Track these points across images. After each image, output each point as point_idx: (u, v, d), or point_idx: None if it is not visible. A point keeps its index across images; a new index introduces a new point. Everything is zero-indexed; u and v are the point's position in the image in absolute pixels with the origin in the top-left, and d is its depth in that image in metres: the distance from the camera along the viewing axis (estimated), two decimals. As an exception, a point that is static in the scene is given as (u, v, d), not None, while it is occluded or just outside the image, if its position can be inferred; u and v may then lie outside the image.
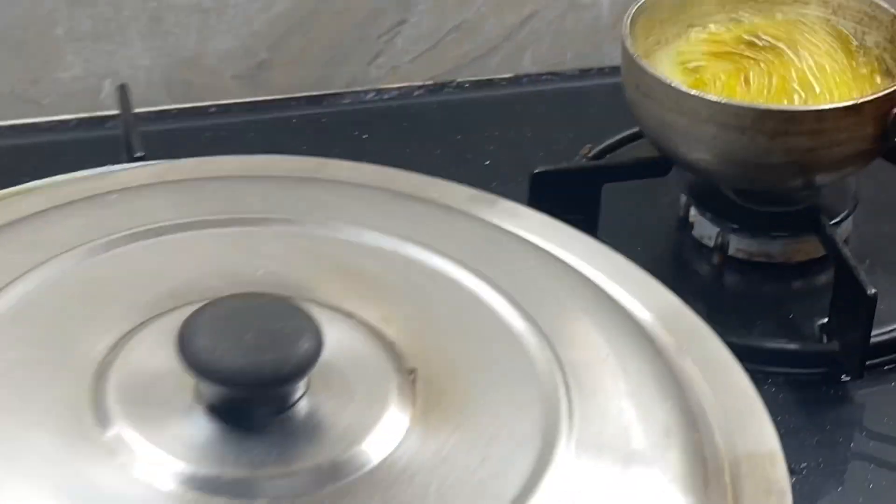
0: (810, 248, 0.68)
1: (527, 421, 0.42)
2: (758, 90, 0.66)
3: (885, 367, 0.65)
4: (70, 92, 0.82)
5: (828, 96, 0.65)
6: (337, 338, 0.42)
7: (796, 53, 0.67)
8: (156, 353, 0.43)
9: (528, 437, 0.41)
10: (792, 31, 0.68)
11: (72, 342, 0.44)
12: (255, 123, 0.82)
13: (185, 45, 0.81)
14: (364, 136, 0.79)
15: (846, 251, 0.63)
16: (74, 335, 0.44)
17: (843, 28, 0.68)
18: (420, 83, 0.84)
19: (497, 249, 0.53)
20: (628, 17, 0.66)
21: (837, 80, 0.67)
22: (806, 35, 0.69)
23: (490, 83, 0.84)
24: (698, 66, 0.68)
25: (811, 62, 0.67)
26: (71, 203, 0.52)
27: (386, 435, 0.41)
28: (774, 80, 0.66)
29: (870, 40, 0.68)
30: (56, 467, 0.40)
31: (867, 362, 0.63)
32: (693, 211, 0.70)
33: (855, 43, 0.68)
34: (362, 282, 0.49)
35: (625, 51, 0.65)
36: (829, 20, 0.69)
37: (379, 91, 0.83)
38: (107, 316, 0.45)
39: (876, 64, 0.68)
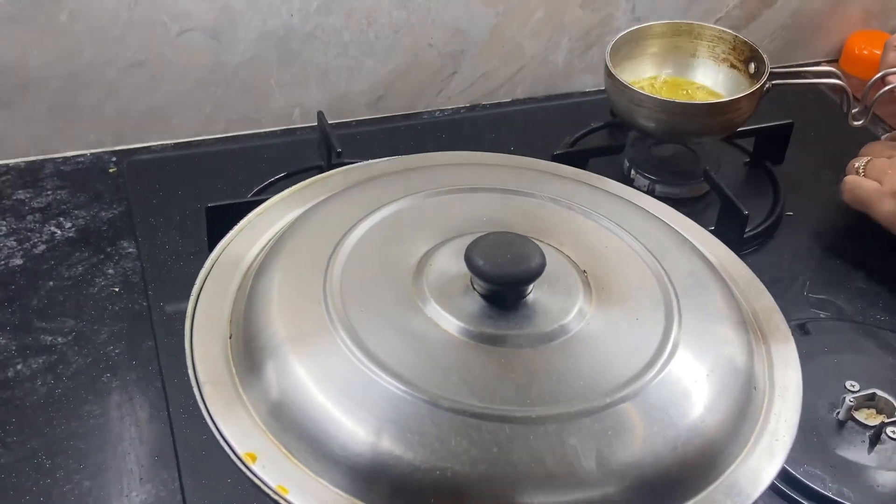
0: (698, 189, 0.95)
1: (653, 296, 0.58)
2: (677, 95, 0.97)
3: (745, 252, 0.89)
4: (276, 115, 1.04)
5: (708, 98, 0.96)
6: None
7: (694, 77, 0.99)
8: (446, 261, 0.58)
9: (655, 304, 0.58)
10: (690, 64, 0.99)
11: (397, 254, 0.59)
12: (379, 130, 1.07)
13: (339, 88, 1.05)
14: (442, 136, 1.06)
15: (726, 188, 0.88)
16: (398, 250, 0.59)
17: (702, 47, 0.98)
18: (464, 105, 1.11)
19: (608, 201, 0.69)
20: (607, 52, 0.93)
21: (710, 92, 0.97)
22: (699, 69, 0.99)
23: (500, 104, 1.12)
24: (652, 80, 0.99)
25: (701, 81, 0.98)
26: (365, 181, 0.67)
27: (580, 311, 0.56)
28: (685, 89, 0.98)
29: (719, 51, 0.98)
30: (399, 323, 0.55)
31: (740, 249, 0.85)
32: (633, 172, 0.96)
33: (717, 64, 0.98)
34: (539, 222, 0.64)
35: (609, 71, 0.91)
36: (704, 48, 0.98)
37: (443, 111, 1.10)
38: (414, 240, 0.60)
39: (727, 63, 0.97)
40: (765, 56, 0.92)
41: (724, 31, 0.97)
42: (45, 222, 0.91)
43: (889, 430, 0.75)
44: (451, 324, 0.56)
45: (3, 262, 0.86)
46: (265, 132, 1.04)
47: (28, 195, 0.94)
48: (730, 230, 0.88)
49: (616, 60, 0.94)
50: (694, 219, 0.91)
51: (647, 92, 0.90)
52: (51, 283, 0.85)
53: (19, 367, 0.78)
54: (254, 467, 0.51)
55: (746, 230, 0.89)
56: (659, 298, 0.59)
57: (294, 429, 0.52)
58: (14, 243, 0.89)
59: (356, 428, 0.51)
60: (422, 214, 0.64)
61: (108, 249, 0.89)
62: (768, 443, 0.55)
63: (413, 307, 0.57)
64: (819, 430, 0.75)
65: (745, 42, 0.95)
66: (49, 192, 0.95)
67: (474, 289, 0.58)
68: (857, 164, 0.91)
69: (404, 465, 0.50)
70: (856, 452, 0.74)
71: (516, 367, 0.54)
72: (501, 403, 0.52)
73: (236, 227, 0.65)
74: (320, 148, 0.95)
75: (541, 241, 0.60)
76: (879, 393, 0.77)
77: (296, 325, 0.56)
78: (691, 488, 0.52)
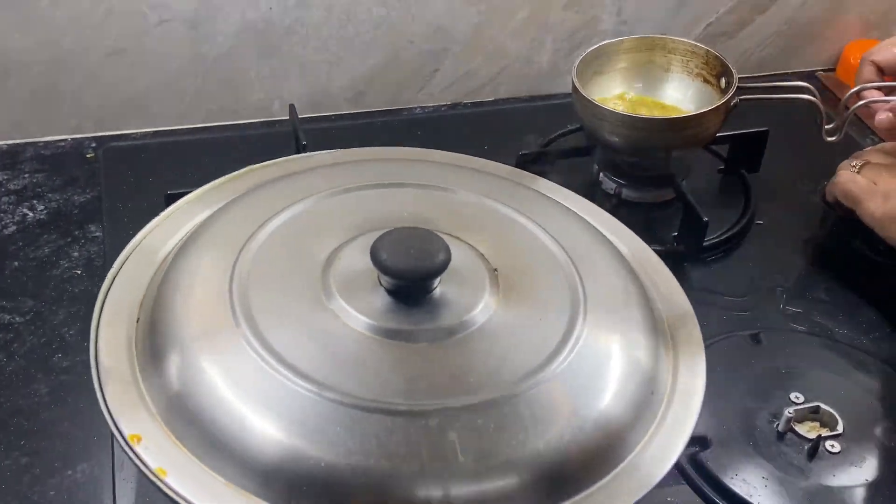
0: (666, 194, 0.94)
1: (561, 298, 0.58)
2: (641, 110, 0.96)
3: (708, 259, 0.90)
4: (255, 107, 1.05)
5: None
6: (453, 251, 0.57)
7: (664, 93, 0.98)
8: (356, 257, 0.59)
9: (562, 306, 0.58)
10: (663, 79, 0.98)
11: (308, 248, 0.59)
12: (357, 125, 1.07)
13: (319, 82, 1.06)
14: (419, 133, 1.06)
15: (689, 195, 0.88)
16: (310, 244, 0.60)
17: (675, 61, 0.97)
18: (445, 103, 1.11)
19: (535, 201, 0.68)
20: (575, 67, 0.92)
21: (678, 110, 0.96)
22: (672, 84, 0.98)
23: (482, 104, 1.12)
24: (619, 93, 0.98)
25: (672, 97, 0.97)
26: (297, 173, 0.69)
27: (484, 307, 0.57)
28: (650, 107, 0.96)
29: (693, 66, 0.96)
30: (301, 317, 0.56)
31: (701, 255, 0.89)
32: (601, 175, 0.96)
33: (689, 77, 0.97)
34: (461, 219, 0.64)
35: (574, 87, 0.91)
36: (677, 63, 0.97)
37: (424, 108, 1.10)
38: (328, 234, 0.61)
39: (700, 78, 0.96)
40: (734, 71, 0.91)
41: (696, 46, 0.96)
42: (19, 204, 0.93)
43: (828, 443, 0.74)
44: (352, 318, 0.56)
45: (-28, 242, 0.89)
46: (244, 123, 1.05)
47: (5, 177, 0.96)
48: (690, 236, 0.88)
49: (586, 76, 0.94)
50: (659, 224, 0.92)
51: (609, 107, 0.90)
52: (16, 263, 0.87)
53: (-26, 343, 0.80)
54: (137, 448, 0.51)
55: (709, 237, 0.89)
56: (567, 300, 0.59)
57: (183, 414, 0.53)
58: (-15, 223, 0.91)
59: (242, 415, 0.52)
60: (342, 209, 0.64)
61: (76, 233, 0.91)
62: (658, 449, 0.55)
63: (317, 301, 0.57)
64: (756, 440, 0.74)
65: (717, 57, 0.94)
66: (27, 175, 0.97)
67: (381, 284, 0.58)
68: (852, 164, 0.90)
69: (281, 453, 0.51)
70: (792, 465, 0.73)
71: (411, 362, 0.55)
72: (388, 397, 0.52)
73: (162, 214, 0.66)
74: (291, 140, 0.96)
75: (457, 239, 0.61)
76: (823, 406, 0.76)
77: (198, 316, 0.57)
78: (571, 488, 0.52)
